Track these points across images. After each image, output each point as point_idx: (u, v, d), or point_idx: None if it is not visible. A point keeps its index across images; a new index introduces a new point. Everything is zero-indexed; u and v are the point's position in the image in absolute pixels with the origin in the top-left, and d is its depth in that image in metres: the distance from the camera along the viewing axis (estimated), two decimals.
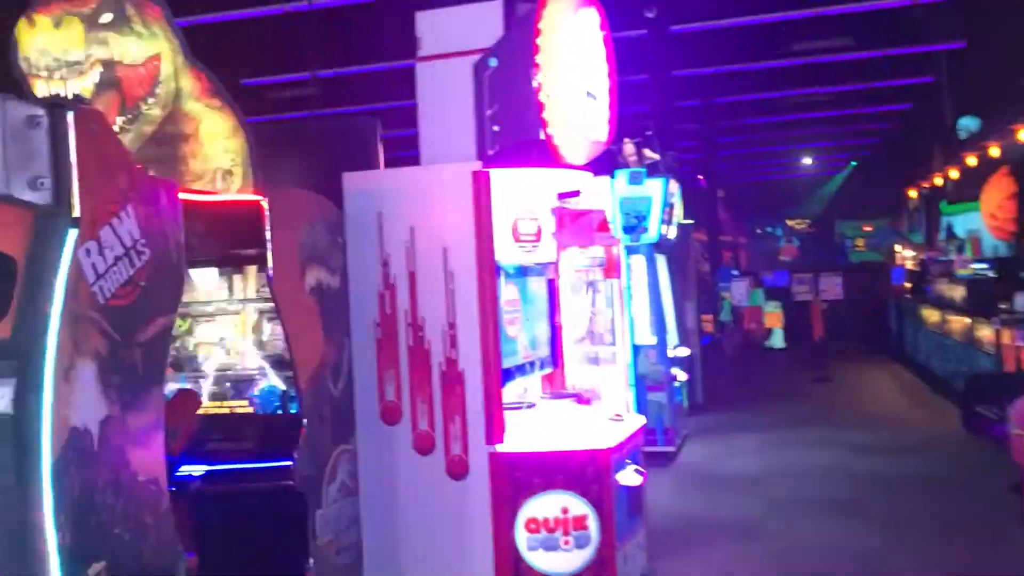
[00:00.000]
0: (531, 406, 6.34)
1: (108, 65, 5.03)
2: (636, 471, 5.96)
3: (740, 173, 32.62)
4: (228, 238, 4.84)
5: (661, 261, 11.86)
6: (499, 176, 5.71)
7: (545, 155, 5.75)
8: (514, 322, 6.08)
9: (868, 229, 34.05)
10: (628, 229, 10.66)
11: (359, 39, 15.45)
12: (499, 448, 5.60)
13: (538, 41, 5.59)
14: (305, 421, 4.98)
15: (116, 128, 4.98)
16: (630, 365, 8.64)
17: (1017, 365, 10.96)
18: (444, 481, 5.70)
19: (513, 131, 5.82)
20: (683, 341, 12.51)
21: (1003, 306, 12.07)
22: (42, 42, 5.04)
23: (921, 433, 12.02)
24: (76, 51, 5.02)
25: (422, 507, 5.76)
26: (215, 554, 4.58)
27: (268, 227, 4.85)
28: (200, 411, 5.07)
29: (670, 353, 11.36)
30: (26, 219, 3.44)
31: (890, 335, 20.59)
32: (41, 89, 5.02)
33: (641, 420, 6.68)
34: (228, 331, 5.65)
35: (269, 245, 4.86)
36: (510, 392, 5.99)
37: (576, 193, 6.26)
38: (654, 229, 10.83)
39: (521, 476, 5.57)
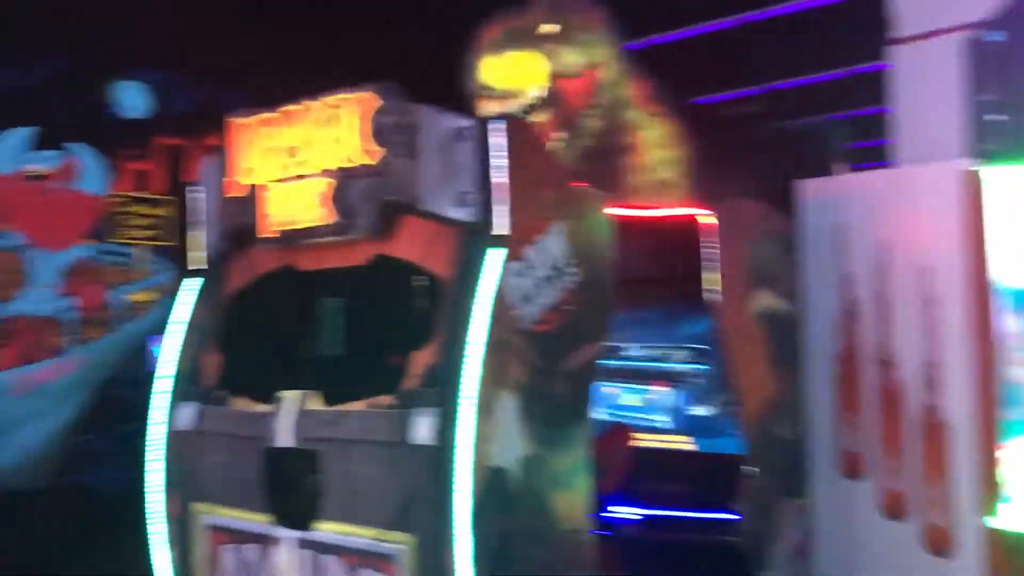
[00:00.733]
0: None
1: (550, 78, 4.85)
2: None
3: None
4: (663, 258, 4.36)
5: None
6: (998, 177, 4.53)
7: None
8: (1020, 362, 4.79)
9: None
10: None
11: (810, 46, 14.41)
12: (996, 523, 4.40)
13: None
14: (750, 468, 4.30)
15: (555, 144, 4.76)
16: None
17: None
18: (920, 555, 4.63)
19: (1020, 120, 4.59)
20: None
21: None
22: (490, 63, 5.01)
23: None
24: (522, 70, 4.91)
25: None
26: None
27: (713, 243, 4.28)
28: (634, 443, 4.64)
29: None
30: (451, 237, 3.25)
31: None
32: (486, 109, 4.99)
33: None
34: None
35: (714, 264, 4.28)
36: (1013, 451, 4.72)
37: None
38: None
39: None
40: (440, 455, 3.01)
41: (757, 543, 4.31)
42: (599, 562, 3.54)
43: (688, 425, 4.98)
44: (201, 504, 3.71)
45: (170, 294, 4.06)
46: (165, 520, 3.77)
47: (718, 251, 4.31)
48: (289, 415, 3.37)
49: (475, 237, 3.20)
